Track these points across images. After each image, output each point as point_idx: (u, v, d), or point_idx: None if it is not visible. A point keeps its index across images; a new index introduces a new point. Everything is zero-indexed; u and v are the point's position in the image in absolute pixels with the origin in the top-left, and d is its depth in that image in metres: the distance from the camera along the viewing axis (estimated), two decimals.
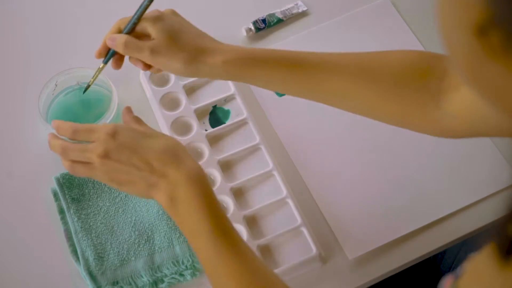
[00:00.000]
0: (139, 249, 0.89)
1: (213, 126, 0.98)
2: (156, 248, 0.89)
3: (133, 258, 0.88)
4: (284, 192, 0.93)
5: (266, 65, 0.80)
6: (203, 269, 0.74)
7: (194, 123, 0.98)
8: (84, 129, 0.77)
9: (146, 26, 0.81)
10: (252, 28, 1.07)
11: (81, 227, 0.90)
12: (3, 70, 1.06)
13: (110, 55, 0.84)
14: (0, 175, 0.97)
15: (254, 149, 0.97)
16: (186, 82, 1.01)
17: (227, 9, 1.11)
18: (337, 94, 0.79)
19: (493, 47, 0.40)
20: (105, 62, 0.85)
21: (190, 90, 1.01)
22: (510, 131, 0.71)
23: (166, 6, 0.84)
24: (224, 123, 0.99)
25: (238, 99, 1.00)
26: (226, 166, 0.96)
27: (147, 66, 0.83)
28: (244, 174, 0.95)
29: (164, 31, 0.80)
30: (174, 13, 0.84)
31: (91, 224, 0.90)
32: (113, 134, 0.75)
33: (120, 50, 0.81)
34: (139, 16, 0.81)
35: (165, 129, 0.97)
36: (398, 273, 0.91)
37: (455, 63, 0.46)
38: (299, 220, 0.90)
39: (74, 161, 0.77)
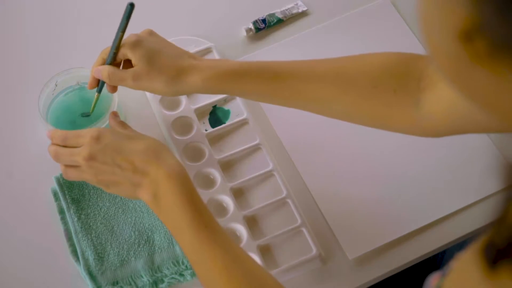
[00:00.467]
0: (139, 249, 0.89)
1: (213, 126, 0.98)
2: (156, 248, 0.89)
3: (133, 258, 0.88)
4: (284, 192, 0.93)
5: (245, 79, 0.82)
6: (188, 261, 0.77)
7: (194, 123, 0.97)
8: (72, 135, 0.81)
9: (126, 53, 0.85)
10: (252, 28, 1.07)
11: (81, 227, 0.90)
12: (3, 70, 1.06)
13: (102, 84, 0.89)
14: (0, 175, 0.97)
15: (254, 149, 0.96)
16: None
17: (227, 9, 1.11)
18: (317, 101, 0.82)
19: (478, 52, 0.40)
20: (99, 92, 0.90)
21: None
22: (490, 128, 0.72)
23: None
24: (224, 123, 0.99)
25: (238, 99, 1.00)
26: (226, 166, 0.95)
27: None
28: (244, 174, 0.95)
29: (143, 57, 0.83)
30: (151, 33, 0.87)
31: (91, 224, 0.91)
32: (97, 137, 0.79)
33: (105, 81, 0.87)
34: (117, 46, 0.85)
35: (165, 129, 0.97)
36: (398, 273, 0.91)
37: (438, 66, 0.46)
38: (299, 220, 0.90)
39: (66, 166, 0.82)
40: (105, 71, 0.86)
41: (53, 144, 0.83)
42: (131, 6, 0.82)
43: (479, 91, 0.44)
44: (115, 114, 0.88)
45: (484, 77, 0.42)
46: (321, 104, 0.82)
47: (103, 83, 0.89)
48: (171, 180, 0.75)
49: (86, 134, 0.80)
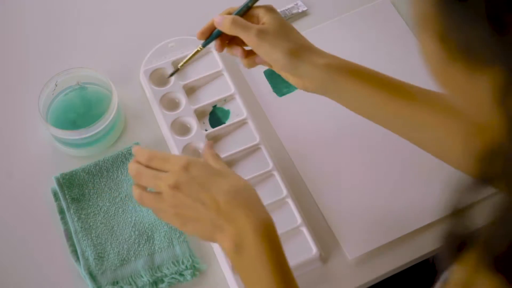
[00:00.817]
0: (139, 249, 0.89)
1: (213, 126, 0.98)
2: (156, 248, 0.89)
3: (133, 258, 0.88)
4: (284, 192, 0.93)
5: (369, 81, 0.79)
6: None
7: (194, 123, 0.97)
8: (159, 157, 0.76)
9: (259, 12, 0.82)
10: None
11: (81, 227, 0.90)
12: (3, 70, 1.06)
13: (212, 37, 0.85)
14: (0, 175, 0.97)
15: (254, 149, 0.96)
16: (186, 82, 1.01)
17: None
18: (427, 129, 0.78)
19: (452, 51, 0.45)
20: (204, 45, 0.86)
21: (190, 90, 1.01)
22: None
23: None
24: (224, 123, 0.99)
25: (238, 99, 1.00)
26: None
27: (245, 54, 0.85)
28: (244, 174, 0.94)
29: (276, 19, 0.81)
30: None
31: (91, 224, 0.90)
32: (186, 166, 0.73)
33: (226, 28, 0.82)
34: (254, 1, 0.82)
35: (165, 129, 0.97)
36: (398, 273, 0.91)
37: (425, 63, 0.50)
38: (299, 220, 0.90)
39: (143, 191, 0.76)
40: (229, 18, 0.81)
41: (136, 161, 0.77)
42: None
43: (458, 89, 0.48)
44: (210, 145, 0.84)
45: (460, 75, 0.46)
46: (430, 132, 0.78)
47: (213, 37, 0.85)
48: (259, 235, 0.70)
49: (175, 161, 0.74)
